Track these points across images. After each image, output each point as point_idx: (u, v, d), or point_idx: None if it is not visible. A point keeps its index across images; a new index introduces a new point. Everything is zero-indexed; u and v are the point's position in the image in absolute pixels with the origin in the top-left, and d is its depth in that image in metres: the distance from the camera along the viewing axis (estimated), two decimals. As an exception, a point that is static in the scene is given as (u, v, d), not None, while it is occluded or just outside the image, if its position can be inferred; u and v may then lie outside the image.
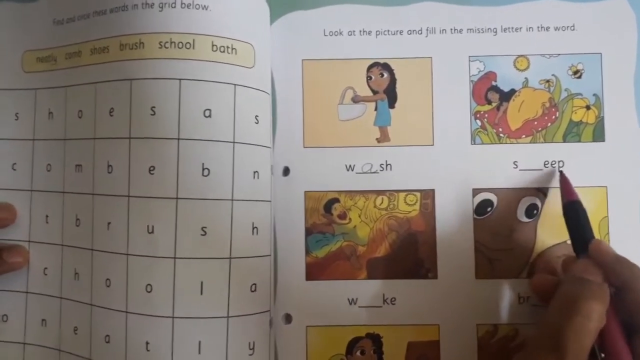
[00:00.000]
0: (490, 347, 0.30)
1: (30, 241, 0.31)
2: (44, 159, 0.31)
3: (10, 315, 0.31)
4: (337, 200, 0.31)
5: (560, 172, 0.30)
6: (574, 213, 0.28)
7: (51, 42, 0.31)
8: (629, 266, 0.25)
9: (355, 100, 0.31)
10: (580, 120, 0.31)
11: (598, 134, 0.31)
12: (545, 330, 0.23)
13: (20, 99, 0.32)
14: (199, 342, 0.27)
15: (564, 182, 0.29)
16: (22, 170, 0.31)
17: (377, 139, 0.31)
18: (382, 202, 0.31)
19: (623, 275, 0.24)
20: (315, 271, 0.30)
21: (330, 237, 0.31)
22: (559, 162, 0.30)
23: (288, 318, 0.30)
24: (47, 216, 0.31)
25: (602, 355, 0.24)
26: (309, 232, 0.31)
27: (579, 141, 0.31)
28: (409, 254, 0.30)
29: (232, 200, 0.28)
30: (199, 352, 0.27)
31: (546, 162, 0.30)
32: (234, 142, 0.28)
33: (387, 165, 0.31)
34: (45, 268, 0.31)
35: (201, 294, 0.27)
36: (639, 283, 0.24)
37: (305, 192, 0.31)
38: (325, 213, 0.31)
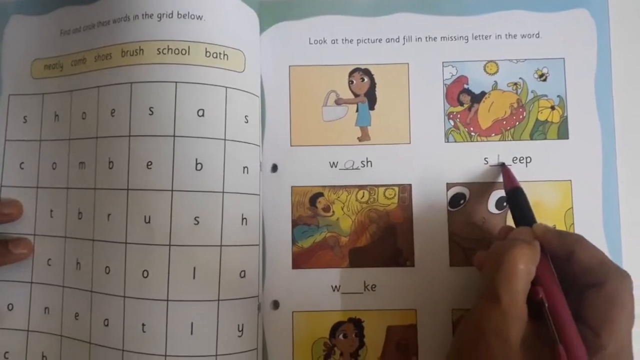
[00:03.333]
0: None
1: (35, 234, 0.33)
2: (50, 158, 0.33)
3: (15, 304, 0.33)
4: (321, 194, 0.33)
5: (502, 164, 0.32)
6: (517, 199, 0.30)
7: (58, 50, 0.34)
8: (570, 235, 0.28)
9: (338, 102, 0.34)
10: (546, 120, 0.33)
11: (562, 132, 0.33)
12: (483, 282, 0.26)
13: (29, 103, 0.34)
14: (192, 324, 0.29)
15: (507, 173, 0.32)
16: (29, 169, 0.34)
17: (358, 138, 0.33)
18: (363, 196, 0.33)
19: (566, 244, 0.27)
20: (301, 260, 0.33)
21: (315, 228, 0.33)
22: (526, 158, 0.33)
23: (276, 304, 0.32)
24: (51, 211, 0.33)
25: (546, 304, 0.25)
26: (295, 224, 0.33)
27: (545, 139, 0.33)
28: (388, 243, 0.33)
29: (223, 192, 0.30)
30: (192, 333, 0.29)
31: (514, 158, 0.33)
32: (225, 140, 0.30)
33: (367, 162, 0.33)
34: (49, 259, 0.33)
35: (194, 278, 0.29)
36: (579, 247, 0.26)
37: (292, 187, 0.33)
38: (310, 206, 0.33)
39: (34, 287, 0.33)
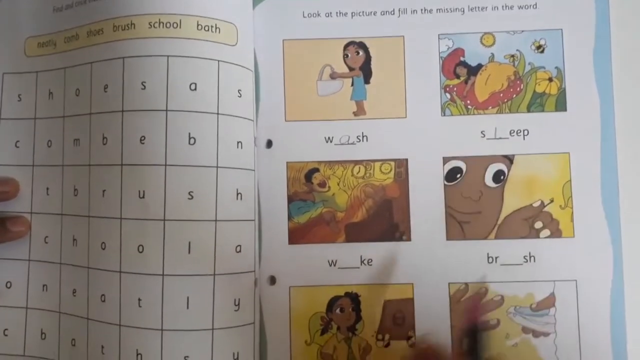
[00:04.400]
0: (462, 304, 0.32)
1: (32, 212, 0.33)
2: (45, 136, 0.33)
3: (13, 282, 0.33)
4: (317, 170, 0.33)
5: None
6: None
7: (51, 28, 0.34)
8: None
9: (333, 76, 0.33)
10: (544, 92, 0.33)
11: (560, 104, 0.33)
12: None
13: (23, 82, 0.34)
14: (187, 298, 0.29)
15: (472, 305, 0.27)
16: (24, 147, 0.34)
17: (353, 112, 0.33)
18: (359, 171, 0.33)
19: None
20: (297, 236, 0.32)
21: (310, 204, 0.33)
22: (524, 130, 0.32)
23: (272, 279, 0.32)
24: (47, 188, 0.33)
25: None
26: (291, 199, 0.33)
27: (543, 111, 0.33)
28: (385, 218, 0.32)
29: (217, 167, 0.30)
30: (187, 307, 0.29)
31: (512, 131, 0.33)
32: (218, 114, 0.30)
33: (363, 136, 0.33)
34: (46, 236, 0.33)
35: (189, 252, 0.29)
36: None
37: (287, 162, 0.33)
38: (306, 182, 0.33)
39: (31, 265, 0.33)
